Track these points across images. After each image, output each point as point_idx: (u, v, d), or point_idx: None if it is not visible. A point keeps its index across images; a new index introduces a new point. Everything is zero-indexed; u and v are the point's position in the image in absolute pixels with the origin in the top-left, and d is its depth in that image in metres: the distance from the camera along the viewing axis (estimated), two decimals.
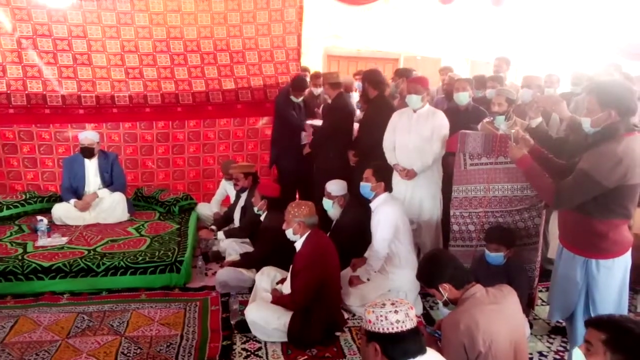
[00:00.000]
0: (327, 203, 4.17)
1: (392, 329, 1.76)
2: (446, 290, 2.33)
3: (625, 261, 2.65)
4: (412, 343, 1.79)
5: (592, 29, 7.60)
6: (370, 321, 1.79)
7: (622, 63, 5.55)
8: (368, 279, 3.78)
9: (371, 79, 4.71)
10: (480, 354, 2.13)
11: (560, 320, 3.44)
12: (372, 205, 3.80)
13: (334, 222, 4.24)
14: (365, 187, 3.79)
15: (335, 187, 4.23)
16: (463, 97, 4.60)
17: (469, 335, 2.13)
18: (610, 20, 7.30)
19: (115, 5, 5.34)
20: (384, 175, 3.84)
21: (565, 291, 2.78)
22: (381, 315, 1.77)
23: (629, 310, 2.94)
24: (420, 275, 2.52)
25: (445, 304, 2.39)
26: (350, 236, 3.99)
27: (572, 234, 2.73)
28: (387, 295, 3.64)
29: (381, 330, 1.77)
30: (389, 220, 3.67)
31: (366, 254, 3.90)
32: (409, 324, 1.78)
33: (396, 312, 1.77)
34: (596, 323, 1.78)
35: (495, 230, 3.43)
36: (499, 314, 2.25)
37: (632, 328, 1.71)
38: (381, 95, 4.69)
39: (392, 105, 4.81)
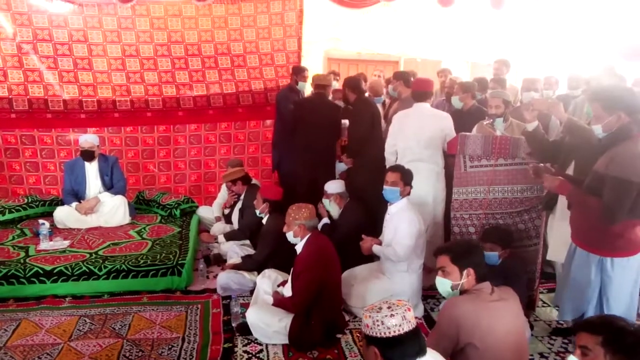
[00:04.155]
0: (325, 202, 4.31)
1: (389, 333, 1.75)
2: (469, 275, 2.36)
3: (638, 260, 2.67)
4: (411, 345, 1.78)
5: (591, 31, 7.61)
6: (367, 325, 1.79)
7: (622, 65, 5.55)
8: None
9: (349, 84, 4.97)
10: (471, 345, 2.17)
11: (561, 322, 3.46)
12: (392, 207, 3.65)
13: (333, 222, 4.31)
14: (394, 192, 3.57)
15: (333, 185, 4.36)
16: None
17: (463, 320, 2.18)
18: (610, 22, 7.30)
19: (117, 10, 5.37)
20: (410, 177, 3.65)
21: (579, 290, 2.79)
22: (377, 320, 1.76)
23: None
24: (455, 248, 2.48)
25: (454, 287, 2.39)
26: (350, 237, 3.99)
27: (587, 233, 2.74)
28: (388, 298, 3.62)
29: (378, 335, 1.76)
30: (414, 228, 3.54)
31: (381, 237, 3.85)
32: (407, 327, 1.76)
33: (392, 315, 1.76)
34: (589, 327, 1.78)
35: (492, 230, 3.43)
36: (501, 312, 2.27)
37: (625, 326, 1.72)
38: (359, 98, 4.94)
39: (371, 103, 5.09)
